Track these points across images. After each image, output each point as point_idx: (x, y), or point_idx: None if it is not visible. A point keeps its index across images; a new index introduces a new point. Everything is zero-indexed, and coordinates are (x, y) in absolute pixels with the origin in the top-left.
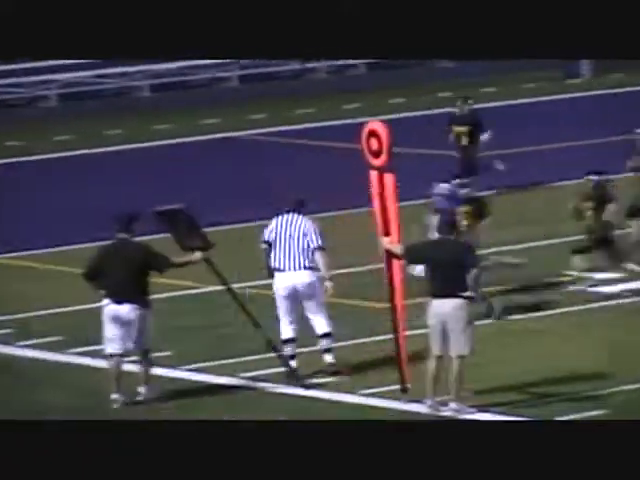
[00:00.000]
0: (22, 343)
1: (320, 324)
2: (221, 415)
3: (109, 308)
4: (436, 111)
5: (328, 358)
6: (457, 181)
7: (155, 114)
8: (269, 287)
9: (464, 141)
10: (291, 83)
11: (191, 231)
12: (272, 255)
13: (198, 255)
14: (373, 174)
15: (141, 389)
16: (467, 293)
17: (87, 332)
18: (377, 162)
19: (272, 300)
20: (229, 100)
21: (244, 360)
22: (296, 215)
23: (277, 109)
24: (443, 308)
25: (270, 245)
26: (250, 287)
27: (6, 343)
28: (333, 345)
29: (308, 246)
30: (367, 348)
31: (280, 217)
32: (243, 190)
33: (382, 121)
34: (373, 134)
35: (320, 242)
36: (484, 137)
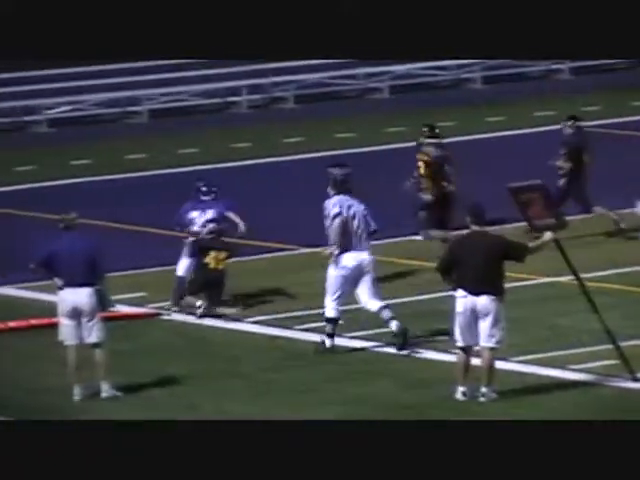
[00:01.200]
0: (350, 334)
1: (378, 298)
2: (555, 412)
3: (466, 300)
4: None
5: (393, 325)
6: None
7: (488, 106)
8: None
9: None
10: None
11: (546, 209)
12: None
13: (549, 236)
14: None
15: (483, 389)
16: None
17: (419, 325)
18: None
19: (611, 292)
20: (561, 92)
21: (575, 352)
22: (352, 198)
23: (612, 101)
24: None
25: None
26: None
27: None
28: None
29: (370, 227)
30: None
31: (343, 199)
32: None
33: None
34: None
35: (375, 226)
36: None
